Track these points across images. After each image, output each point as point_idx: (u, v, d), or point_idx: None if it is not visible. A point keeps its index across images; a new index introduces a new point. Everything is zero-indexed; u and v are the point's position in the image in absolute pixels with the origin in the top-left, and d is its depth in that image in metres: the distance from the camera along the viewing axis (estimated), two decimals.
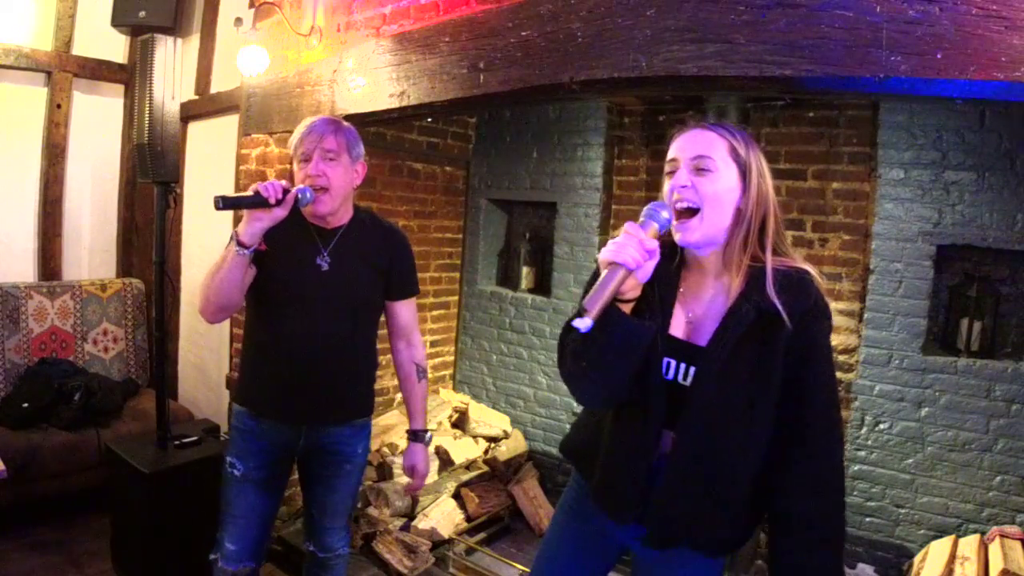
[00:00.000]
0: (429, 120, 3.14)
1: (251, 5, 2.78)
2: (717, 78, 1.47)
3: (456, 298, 3.56)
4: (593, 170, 3.02)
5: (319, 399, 1.71)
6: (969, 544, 2.05)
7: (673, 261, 1.20)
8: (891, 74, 1.29)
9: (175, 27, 3.28)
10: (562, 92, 1.77)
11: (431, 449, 2.96)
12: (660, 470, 1.18)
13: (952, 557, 2.01)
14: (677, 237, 1.15)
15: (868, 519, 2.38)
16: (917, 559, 2.17)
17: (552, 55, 1.70)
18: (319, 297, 1.68)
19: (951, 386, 2.23)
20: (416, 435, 1.88)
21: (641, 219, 1.09)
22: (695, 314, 1.17)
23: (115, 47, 3.55)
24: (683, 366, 1.15)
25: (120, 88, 3.62)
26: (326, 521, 1.81)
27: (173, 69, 2.42)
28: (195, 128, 3.46)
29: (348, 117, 2.22)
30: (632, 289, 1.08)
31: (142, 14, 3.30)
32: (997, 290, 2.29)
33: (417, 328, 1.90)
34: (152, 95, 2.37)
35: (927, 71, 1.27)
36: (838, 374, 2.45)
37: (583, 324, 1.00)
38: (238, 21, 2.38)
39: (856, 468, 2.40)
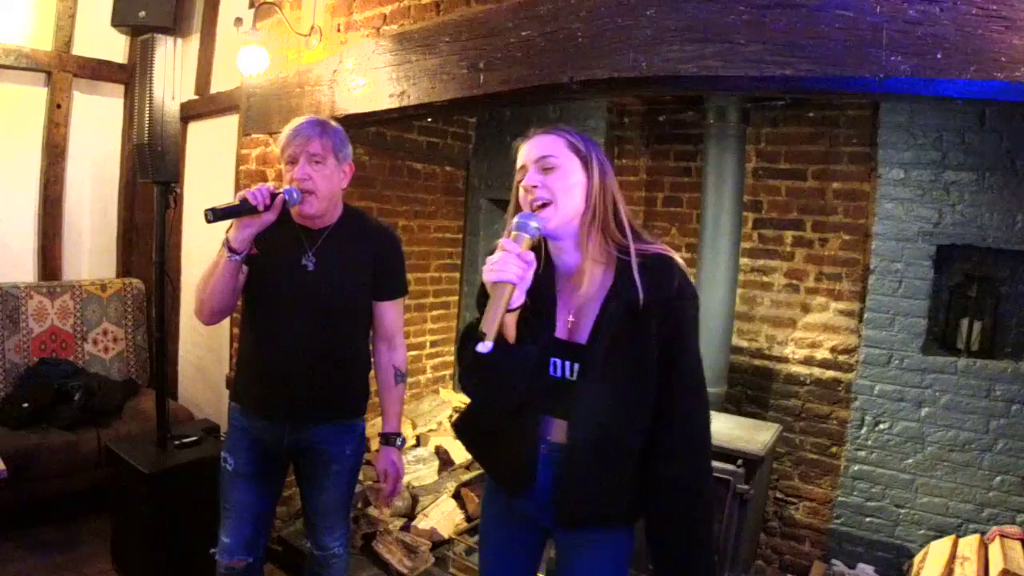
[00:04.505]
0: (429, 120, 3.14)
1: (251, 5, 2.78)
2: (717, 78, 1.47)
3: (456, 298, 3.56)
4: None
5: (300, 398, 1.71)
6: (969, 544, 2.05)
7: (543, 268, 1.26)
8: (891, 74, 1.29)
9: (175, 27, 3.29)
10: (562, 92, 1.77)
11: (431, 449, 2.98)
12: (551, 457, 1.27)
13: (952, 557, 2.01)
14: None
15: (868, 519, 2.38)
16: (917, 559, 2.17)
17: (552, 55, 1.70)
18: (304, 297, 1.69)
19: (951, 386, 2.23)
20: (388, 438, 1.85)
21: (513, 234, 1.16)
22: (574, 312, 1.25)
23: (115, 47, 3.55)
24: (568, 364, 1.24)
25: (120, 88, 3.62)
26: (318, 520, 1.82)
27: (173, 69, 2.42)
28: (195, 128, 3.46)
29: (348, 117, 2.22)
30: (517, 299, 1.15)
31: (142, 14, 3.30)
32: (997, 290, 2.29)
33: (401, 331, 1.88)
34: (152, 95, 2.37)
35: (927, 71, 1.27)
36: (838, 374, 2.49)
37: (485, 347, 1.08)
38: (238, 21, 2.37)
39: (856, 468, 2.40)
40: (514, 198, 1.27)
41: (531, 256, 1.13)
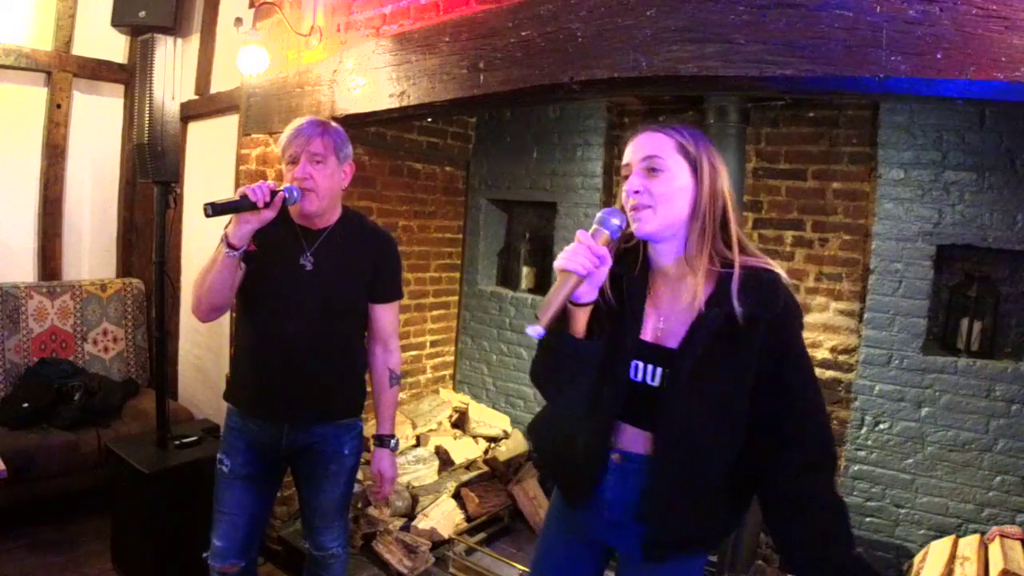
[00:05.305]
0: (429, 120, 3.14)
1: (251, 5, 2.78)
2: (717, 78, 1.47)
3: (456, 298, 3.56)
4: (593, 170, 3.02)
5: (298, 399, 1.71)
6: (969, 544, 2.05)
7: (638, 268, 1.23)
8: (891, 74, 1.29)
9: (175, 27, 3.29)
10: (562, 92, 1.76)
11: (431, 449, 2.98)
12: (623, 467, 1.21)
13: (952, 557, 2.01)
14: (634, 227, 1.16)
15: (868, 519, 2.38)
16: (917, 559, 2.17)
17: (552, 55, 1.70)
18: (301, 297, 1.69)
19: (951, 386, 2.23)
20: (382, 440, 1.86)
21: (593, 227, 1.12)
22: (665, 317, 1.20)
23: (115, 47, 3.55)
24: (651, 368, 1.18)
25: (120, 88, 3.62)
26: (316, 520, 1.82)
27: (173, 69, 2.43)
28: (195, 128, 3.46)
29: (348, 117, 2.22)
30: (586, 294, 1.11)
31: (142, 14, 3.30)
32: (997, 290, 2.28)
33: (396, 334, 1.88)
34: (152, 95, 2.37)
35: (927, 71, 1.26)
36: (838, 374, 2.49)
37: (535, 331, 1.04)
38: (238, 21, 2.37)
39: (856, 468, 2.40)
40: (620, 195, 1.21)
41: (604, 252, 1.08)
